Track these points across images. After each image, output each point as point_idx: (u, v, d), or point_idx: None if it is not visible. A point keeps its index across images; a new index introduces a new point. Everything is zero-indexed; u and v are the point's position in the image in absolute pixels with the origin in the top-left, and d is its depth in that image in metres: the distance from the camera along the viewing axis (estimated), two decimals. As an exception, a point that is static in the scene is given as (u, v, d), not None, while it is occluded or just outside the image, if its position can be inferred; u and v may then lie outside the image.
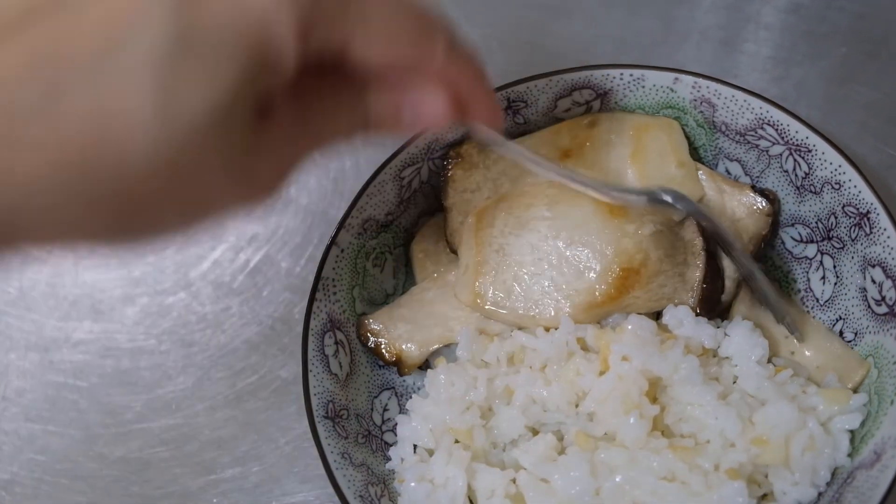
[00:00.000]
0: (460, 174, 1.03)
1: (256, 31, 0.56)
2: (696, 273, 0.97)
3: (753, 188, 1.00)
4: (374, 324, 1.01)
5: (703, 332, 0.93)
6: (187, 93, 0.55)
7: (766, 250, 1.02)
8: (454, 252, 1.02)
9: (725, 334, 0.95)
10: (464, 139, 1.03)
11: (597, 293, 0.94)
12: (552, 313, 0.95)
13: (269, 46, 0.57)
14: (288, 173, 0.67)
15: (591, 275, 0.94)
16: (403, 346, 1.00)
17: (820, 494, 0.90)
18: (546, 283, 0.95)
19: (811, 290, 1.01)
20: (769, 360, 0.95)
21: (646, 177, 0.98)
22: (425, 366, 1.02)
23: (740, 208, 1.00)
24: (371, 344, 1.00)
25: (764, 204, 0.99)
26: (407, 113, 0.72)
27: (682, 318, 0.94)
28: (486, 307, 0.96)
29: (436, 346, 1.00)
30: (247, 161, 0.61)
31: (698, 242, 0.97)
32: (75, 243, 0.62)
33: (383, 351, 1.00)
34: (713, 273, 0.97)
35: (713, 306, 0.97)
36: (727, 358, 0.95)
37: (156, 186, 0.57)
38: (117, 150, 0.55)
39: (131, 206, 0.58)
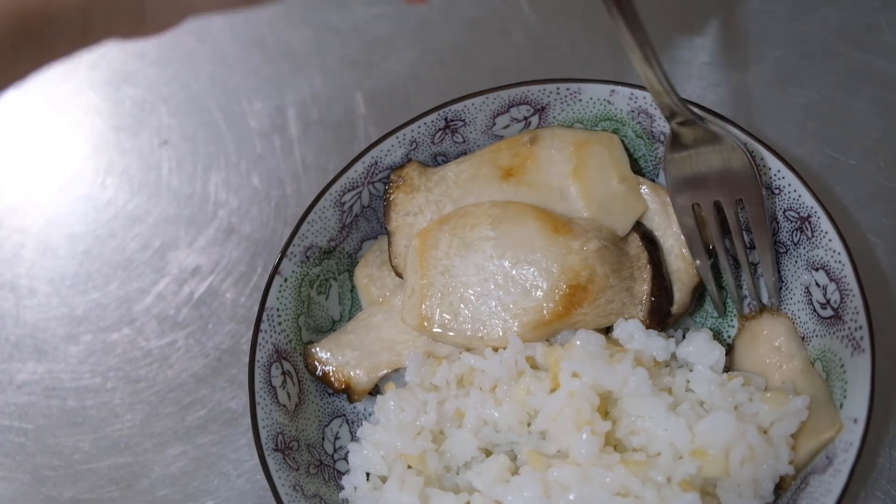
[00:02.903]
0: (402, 197, 1.02)
1: None
2: (644, 286, 0.97)
3: None
4: (321, 352, 1.00)
5: (654, 344, 0.93)
6: None
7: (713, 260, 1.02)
8: (399, 276, 1.01)
9: (682, 338, 0.96)
10: (405, 162, 1.02)
11: (544, 311, 0.94)
12: (500, 333, 0.94)
13: None
14: None
15: (538, 293, 0.94)
16: (352, 374, 0.99)
17: (769, 504, 0.91)
18: (493, 304, 0.95)
19: (758, 296, 1.01)
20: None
21: (588, 192, 0.98)
22: (376, 391, 1.01)
23: None
24: (319, 373, 0.99)
25: None
26: None
27: (633, 332, 0.94)
28: (434, 330, 0.96)
29: (384, 372, 0.99)
30: None
31: (644, 256, 0.97)
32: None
33: (332, 379, 0.99)
34: (660, 285, 0.97)
35: (663, 318, 0.97)
36: (681, 367, 0.95)
37: None
38: None
39: None
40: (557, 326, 0.95)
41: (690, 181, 0.96)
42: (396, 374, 1.00)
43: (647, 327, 0.95)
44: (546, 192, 0.99)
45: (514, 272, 0.95)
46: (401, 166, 1.02)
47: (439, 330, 0.96)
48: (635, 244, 0.97)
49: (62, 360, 1.12)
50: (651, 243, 0.98)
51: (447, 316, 0.96)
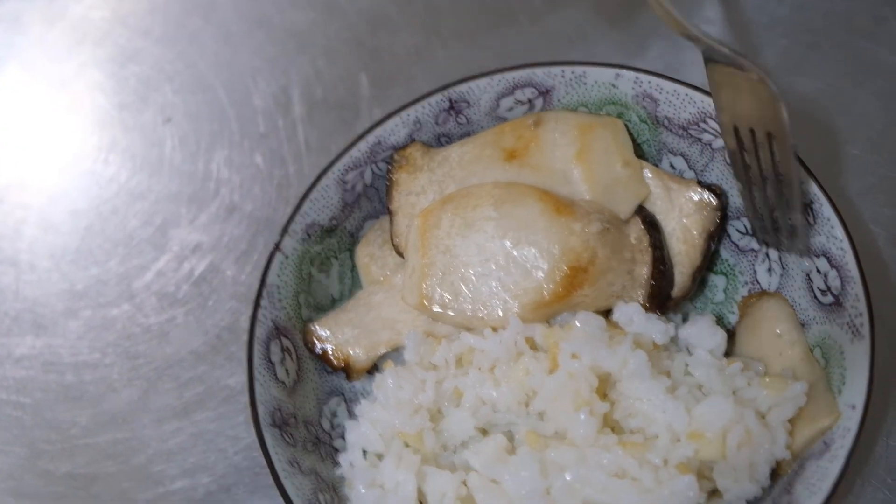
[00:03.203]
0: (405, 177, 1.02)
1: None
2: (645, 270, 0.96)
3: (700, 183, 1.00)
4: (320, 330, 1.00)
5: (653, 327, 0.93)
6: None
7: (715, 245, 1.02)
8: (401, 255, 1.01)
9: (682, 323, 0.97)
10: (408, 143, 1.02)
11: (545, 292, 0.93)
12: (500, 314, 0.94)
13: None
14: None
15: (539, 274, 0.94)
16: (351, 352, 0.99)
17: (764, 489, 0.90)
18: (494, 284, 0.95)
19: (758, 281, 1.01)
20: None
21: (591, 176, 0.98)
22: (374, 370, 1.01)
23: (688, 204, 0.99)
24: (318, 350, 0.99)
25: (712, 199, 0.99)
26: None
27: (633, 315, 0.94)
28: (434, 309, 0.95)
29: (383, 350, 0.99)
30: None
31: (645, 239, 0.97)
32: None
33: (331, 357, 0.99)
34: (661, 268, 0.96)
35: (663, 302, 0.97)
36: (680, 351, 0.95)
37: None
38: None
39: None
40: (558, 308, 0.94)
41: (731, 101, 0.92)
42: (395, 354, 0.99)
43: (647, 311, 0.95)
44: (549, 175, 0.99)
45: (515, 253, 0.95)
46: (404, 146, 1.02)
47: (439, 309, 0.95)
48: (637, 227, 0.97)
49: (61, 335, 1.12)
50: (653, 227, 0.98)
51: (447, 295, 0.95)
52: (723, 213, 1.00)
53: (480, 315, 0.95)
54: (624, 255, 0.96)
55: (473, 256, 0.96)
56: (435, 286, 0.96)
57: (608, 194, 0.98)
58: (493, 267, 0.95)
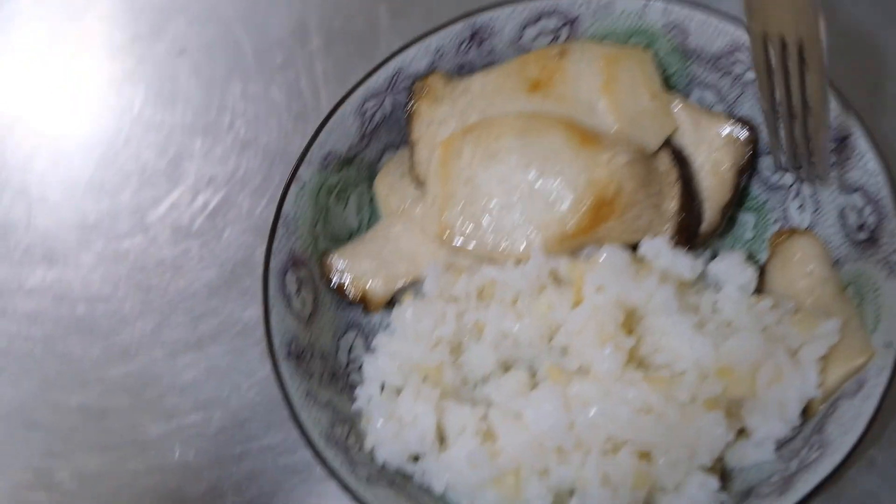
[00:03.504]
0: (425, 107, 0.99)
1: None
2: (672, 203, 0.94)
3: (730, 117, 0.97)
4: (337, 261, 0.97)
5: (681, 262, 0.91)
6: None
7: (745, 181, 0.99)
8: (421, 186, 0.98)
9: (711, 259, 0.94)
10: (429, 72, 0.99)
11: (569, 225, 0.91)
12: (523, 246, 0.92)
13: None
14: None
15: (563, 206, 0.91)
16: (369, 284, 0.96)
17: (794, 429, 0.88)
18: (516, 216, 0.92)
19: (789, 219, 0.98)
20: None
21: (618, 108, 0.95)
22: (392, 304, 0.98)
23: (717, 138, 0.96)
24: (335, 282, 0.97)
25: (742, 133, 0.96)
26: None
27: (660, 249, 0.91)
28: (455, 241, 0.93)
29: (402, 283, 0.96)
30: None
31: (674, 173, 0.94)
32: None
33: (348, 289, 0.97)
34: (689, 202, 0.94)
35: (691, 237, 0.94)
36: (708, 288, 0.92)
37: None
38: None
39: None
40: (582, 241, 0.92)
41: (763, 6, 0.84)
42: (415, 287, 0.97)
43: (675, 245, 0.92)
44: (574, 106, 0.96)
45: (538, 184, 0.92)
46: (425, 76, 0.99)
47: (460, 240, 0.93)
48: (665, 160, 0.94)
49: (73, 267, 1.10)
50: (681, 160, 0.95)
51: (469, 226, 0.93)
52: (753, 147, 0.97)
53: (502, 247, 0.92)
54: (651, 188, 0.93)
55: (496, 187, 0.93)
56: (456, 217, 0.93)
57: (635, 127, 0.95)
58: (516, 198, 0.93)
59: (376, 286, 0.97)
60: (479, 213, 0.93)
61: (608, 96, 0.96)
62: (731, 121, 0.97)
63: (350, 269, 0.97)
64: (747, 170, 0.98)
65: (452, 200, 0.93)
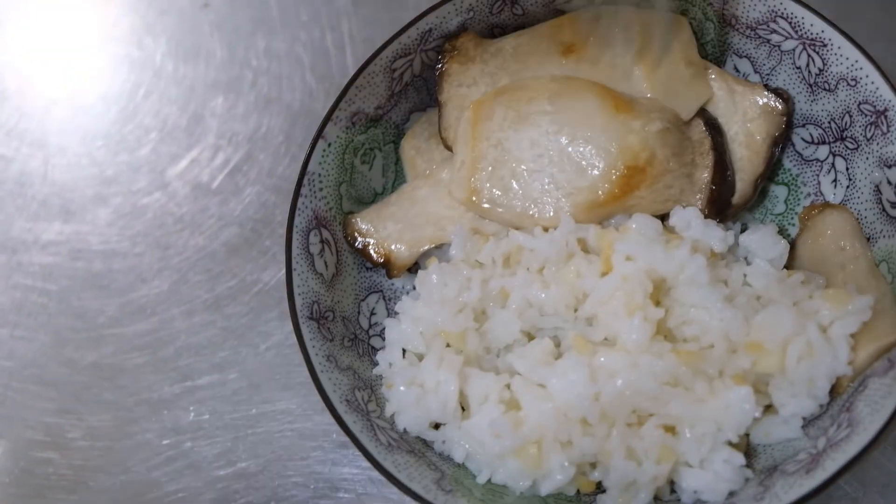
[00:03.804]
0: (456, 68, 0.97)
1: None
2: (705, 174, 0.92)
3: (766, 87, 0.95)
4: (361, 223, 0.95)
5: (712, 234, 0.89)
6: None
7: (779, 152, 0.97)
8: (448, 149, 0.96)
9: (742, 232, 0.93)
10: (460, 30, 0.97)
11: (599, 192, 0.89)
12: (551, 213, 0.90)
13: None
14: None
15: (594, 172, 0.89)
16: (393, 247, 0.95)
17: (822, 406, 0.86)
18: (546, 181, 0.90)
19: (821, 193, 0.96)
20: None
21: (653, 75, 0.93)
22: (414, 268, 0.97)
23: (753, 108, 0.95)
24: (358, 244, 0.95)
25: (778, 104, 0.94)
26: None
27: (691, 220, 0.89)
28: (482, 205, 0.91)
29: (427, 247, 0.94)
30: None
31: (707, 142, 0.92)
32: None
33: (372, 252, 0.95)
34: (722, 173, 0.92)
35: (722, 208, 0.92)
36: (738, 261, 0.90)
37: None
38: None
39: None
40: (612, 209, 0.90)
41: None
42: (439, 252, 0.95)
43: (706, 216, 0.90)
44: (608, 71, 0.94)
45: (570, 149, 0.90)
46: (456, 36, 0.97)
47: (488, 205, 0.91)
48: (699, 129, 0.92)
49: (90, 222, 1.08)
50: (715, 130, 0.93)
51: (497, 191, 0.91)
52: (788, 118, 0.95)
53: (531, 212, 0.91)
54: (684, 157, 0.91)
55: (526, 151, 0.91)
56: (484, 181, 0.91)
57: (669, 94, 0.93)
58: (546, 163, 0.91)
59: (401, 250, 0.95)
60: (508, 177, 0.91)
61: (643, 62, 0.94)
62: (767, 91, 0.95)
63: (374, 231, 0.95)
64: (781, 141, 0.96)
65: (481, 163, 0.92)
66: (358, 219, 0.96)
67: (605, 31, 0.96)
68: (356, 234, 0.95)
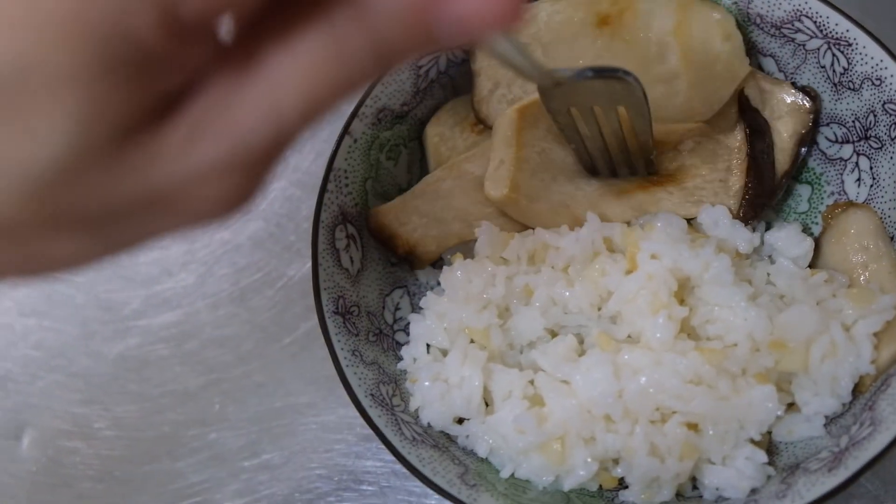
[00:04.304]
0: (490, 33, 0.96)
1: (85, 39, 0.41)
2: (740, 179, 0.92)
3: (793, 85, 0.95)
4: (387, 216, 0.96)
5: (738, 234, 0.89)
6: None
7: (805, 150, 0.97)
8: (481, 122, 0.97)
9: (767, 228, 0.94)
10: None
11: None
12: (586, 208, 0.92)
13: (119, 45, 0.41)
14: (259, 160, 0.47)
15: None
16: (418, 240, 0.95)
17: (845, 405, 0.87)
18: (585, 186, 0.93)
19: (845, 192, 0.96)
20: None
21: (689, 55, 0.93)
22: (437, 263, 0.97)
23: (780, 106, 0.95)
24: (383, 236, 0.95)
25: (805, 101, 0.95)
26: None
27: (719, 219, 0.90)
28: (521, 200, 0.91)
29: (454, 242, 0.95)
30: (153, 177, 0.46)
31: (745, 149, 0.93)
32: None
33: (396, 244, 0.95)
34: (758, 177, 0.92)
35: (758, 210, 0.93)
36: (762, 260, 0.91)
37: None
38: None
39: None
40: (640, 198, 0.92)
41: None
42: (465, 247, 0.95)
43: (740, 218, 0.92)
44: (643, 50, 0.93)
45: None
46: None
47: (526, 200, 0.91)
48: (738, 137, 0.93)
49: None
50: (757, 134, 0.94)
51: (538, 187, 0.91)
52: (816, 116, 0.95)
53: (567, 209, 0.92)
54: (718, 164, 0.92)
55: (568, 161, 0.93)
56: (526, 179, 0.91)
57: (705, 76, 0.92)
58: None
59: (427, 243, 0.95)
60: (549, 179, 0.92)
61: (679, 39, 0.93)
62: (795, 88, 0.96)
63: (400, 224, 0.95)
64: (809, 139, 0.96)
65: (524, 165, 0.92)
66: (383, 211, 0.96)
67: (641, 5, 0.95)
68: (381, 226, 0.95)
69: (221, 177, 0.47)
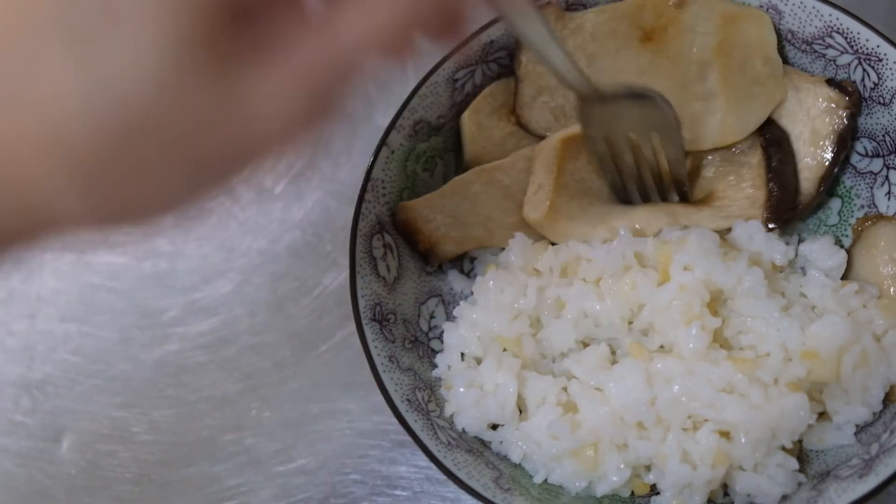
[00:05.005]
0: (535, 41, 0.98)
1: None
2: (763, 194, 0.94)
3: (830, 81, 0.95)
4: (413, 210, 0.97)
5: (773, 247, 0.91)
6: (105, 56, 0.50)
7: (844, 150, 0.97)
8: (521, 127, 0.99)
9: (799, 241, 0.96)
10: (543, 5, 0.98)
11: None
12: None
13: None
14: (331, 77, 0.58)
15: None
16: (440, 239, 0.97)
17: (875, 414, 0.88)
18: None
19: (875, 205, 0.97)
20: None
21: (728, 76, 0.94)
22: (471, 271, 1.00)
23: (816, 105, 0.95)
24: (407, 229, 0.97)
25: (842, 98, 0.94)
26: None
27: (753, 233, 0.91)
28: (559, 220, 0.93)
29: (473, 247, 0.98)
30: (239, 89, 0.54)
31: (763, 166, 0.95)
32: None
33: (418, 238, 0.97)
34: (782, 189, 0.94)
35: (786, 217, 0.94)
36: (795, 272, 0.92)
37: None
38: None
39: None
40: (675, 209, 0.94)
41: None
42: (492, 256, 0.98)
43: (769, 227, 0.93)
44: (684, 68, 0.95)
45: None
46: (540, 6, 0.97)
47: (565, 220, 0.93)
48: (758, 154, 0.95)
49: (156, 223, 1.11)
50: (776, 146, 0.95)
51: (577, 210, 0.94)
52: (853, 112, 0.95)
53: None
54: (742, 183, 0.95)
55: (605, 193, 0.96)
56: (565, 203, 0.94)
57: (743, 97, 0.94)
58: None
59: (446, 243, 0.97)
60: (587, 203, 0.94)
61: (720, 58, 0.95)
62: (830, 87, 0.95)
63: (424, 220, 0.97)
64: (848, 136, 0.96)
65: (563, 190, 0.94)
66: (410, 206, 0.97)
67: (686, 20, 0.96)
68: (406, 221, 0.97)
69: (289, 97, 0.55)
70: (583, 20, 0.98)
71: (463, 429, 0.90)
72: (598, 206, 0.94)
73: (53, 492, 1.02)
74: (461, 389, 0.90)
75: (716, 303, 0.89)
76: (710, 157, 0.96)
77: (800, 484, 0.85)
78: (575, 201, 0.93)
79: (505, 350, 0.92)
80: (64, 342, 1.08)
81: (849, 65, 0.95)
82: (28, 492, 1.02)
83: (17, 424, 1.05)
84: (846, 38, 0.94)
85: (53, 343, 1.08)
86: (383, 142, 0.96)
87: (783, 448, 0.85)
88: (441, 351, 0.95)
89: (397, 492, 0.99)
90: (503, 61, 1.00)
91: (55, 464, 1.03)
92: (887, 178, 0.96)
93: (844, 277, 0.95)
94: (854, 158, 0.98)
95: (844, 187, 0.99)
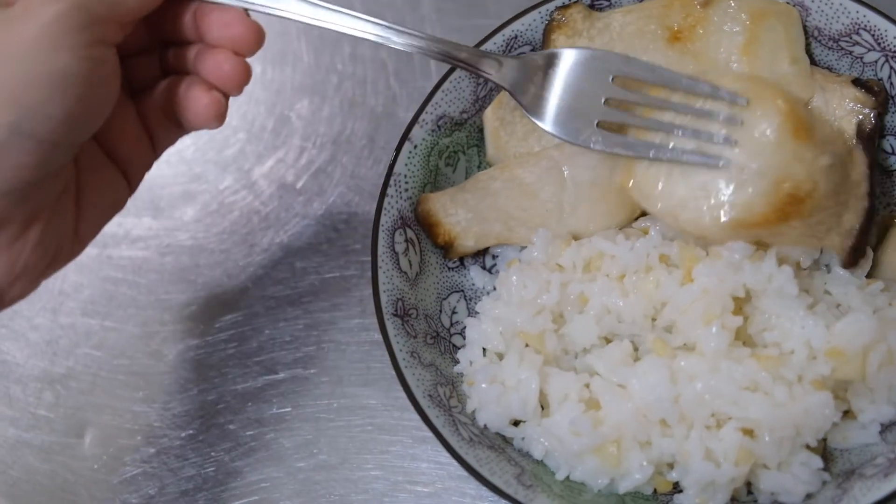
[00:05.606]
0: (562, 39, 0.97)
1: None
2: (854, 219, 0.89)
3: (856, 81, 0.93)
4: (434, 203, 0.97)
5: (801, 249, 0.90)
6: None
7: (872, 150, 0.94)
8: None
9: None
10: (570, 3, 0.98)
11: (755, 211, 0.85)
12: (706, 221, 0.86)
13: None
14: None
15: (750, 190, 0.85)
16: (459, 233, 0.97)
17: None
18: (698, 183, 0.87)
19: (900, 203, 0.97)
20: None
21: (754, 72, 0.92)
22: (493, 267, 1.00)
23: (843, 105, 0.93)
24: (428, 222, 0.97)
25: (868, 97, 0.92)
26: None
27: None
28: (633, 195, 0.90)
29: (492, 243, 0.97)
30: None
31: (864, 186, 0.89)
32: None
33: (438, 231, 0.97)
34: (869, 221, 0.90)
35: (861, 256, 0.91)
36: (819, 269, 0.91)
37: None
38: None
39: None
40: (760, 233, 0.87)
41: None
42: (515, 251, 0.98)
43: (845, 266, 0.90)
44: (710, 68, 0.93)
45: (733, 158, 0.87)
46: (566, 5, 0.97)
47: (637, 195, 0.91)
48: (859, 171, 0.90)
49: (178, 218, 1.12)
50: (874, 169, 0.91)
51: (659, 184, 0.89)
52: (881, 110, 0.93)
53: (677, 213, 0.88)
54: (840, 196, 0.88)
55: None
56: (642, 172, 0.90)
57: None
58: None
59: (466, 238, 0.97)
60: (663, 173, 0.89)
61: (746, 58, 0.93)
62: (855, 87, 0.93)
63: (445, 214, 0.97)
64: (875, 135, 0.93)
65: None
66: (432, 198, 0.97)
67: (713, 18, 0.95)
68: (428, 213, 0.97)
69: None
70: (610, 19, 0.97)
71: (485, 425, 0.90)
72: (677, 176, 0.89)
73: (76, 487, 1.03)
74: (483, 385, 0.90)
75: (740, 301, 0.88)
76: (827, 148, 0.87)
77: (824, 482, 0.85)
78: (651, 170, 0.90)
79: (527, 346, 0.92)
80: (86, 337, 1.08)
81: (876, 62, 0.94)
82: (51, 486, 1.03)
83: (39, 419, 1.05)
84: (873, 36, 0.93)
85: (76, 337, 1.08)
86: (406, 136, 0.95)
87: (807, 446, 0.85)
88: (463, 346, 0.95)
89: (418, 488, 0.98)
90: (527, 57, 1.00)
91: (78, 459, 1.04)
92: (912, 175, 0.96)
93: (870, 276, 0.94)
94: (880, 157, 0.97)
95: (870, 185, 0.98)
